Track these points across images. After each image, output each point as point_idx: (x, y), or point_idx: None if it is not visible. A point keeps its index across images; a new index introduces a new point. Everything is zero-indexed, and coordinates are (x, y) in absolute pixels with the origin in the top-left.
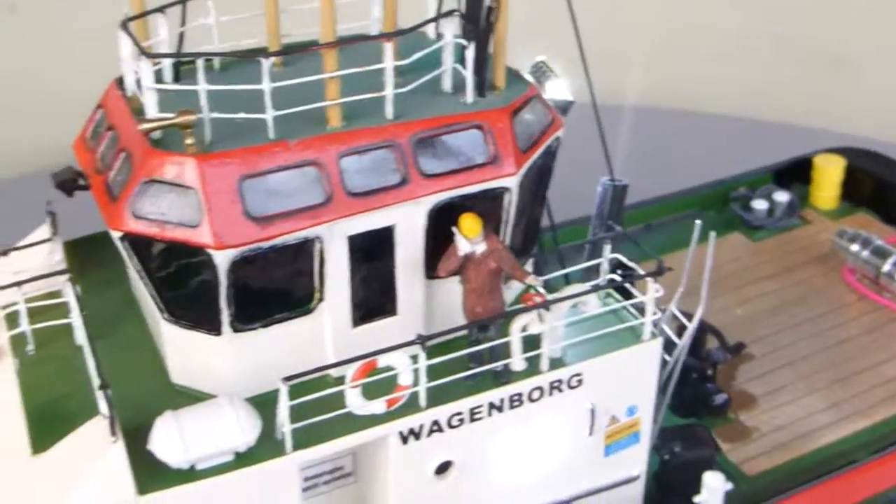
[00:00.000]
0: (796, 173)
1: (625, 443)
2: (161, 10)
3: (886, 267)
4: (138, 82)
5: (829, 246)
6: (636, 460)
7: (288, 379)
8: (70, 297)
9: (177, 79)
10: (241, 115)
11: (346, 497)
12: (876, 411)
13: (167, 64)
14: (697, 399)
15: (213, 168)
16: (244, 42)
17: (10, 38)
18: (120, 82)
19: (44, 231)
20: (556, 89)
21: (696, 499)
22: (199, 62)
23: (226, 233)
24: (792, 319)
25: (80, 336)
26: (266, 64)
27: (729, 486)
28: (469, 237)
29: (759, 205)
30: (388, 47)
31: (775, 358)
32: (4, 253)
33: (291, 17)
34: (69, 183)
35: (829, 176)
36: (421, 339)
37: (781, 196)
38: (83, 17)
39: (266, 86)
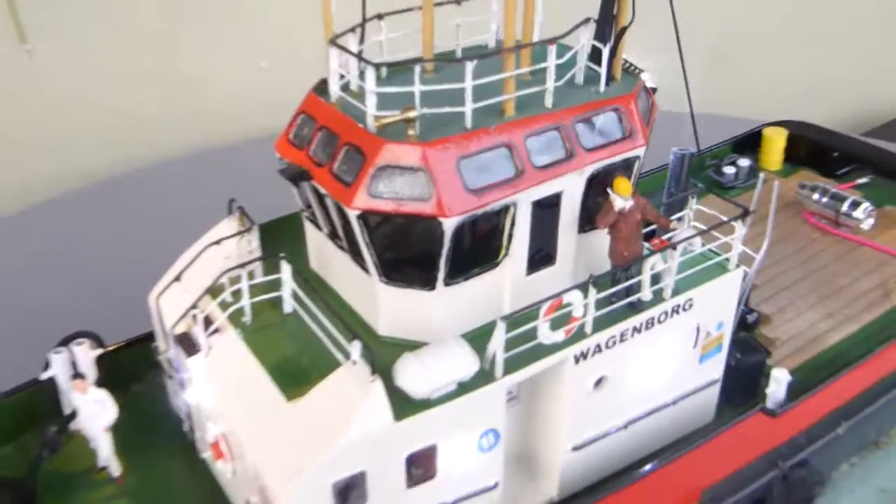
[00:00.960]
0: (747, 144)
1: (713, 352)
2: (353, 30)
3: (844, 208)
4: (343, 87)
5: (790, 196)
6: (718, 366)
7: (506, 318)
8: (284, 273)
9: None
10: (447, 108)
11: (511, 416)
12: (862, 317)
13: (354, 74)
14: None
15: (438, 152)
16: (401, 54)
17: (30, 76)
18: (316, 90)
19: (230, 224)
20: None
21: (768, 390)
22: (416, 68)
23: (452, 203)
24: (778, 255)
25: (289, 306)
26: (469, 66)
27: (790, 378)
28: (624, 195)
29: (729, 170)
30: (552, 49)
31: (774, 285)
32: (218, 242)
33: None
34: (298, 176)
35: (775, 143)
36: (593, 280)
37: (744, 162)
38: (90, 57)
39: (468, 84)
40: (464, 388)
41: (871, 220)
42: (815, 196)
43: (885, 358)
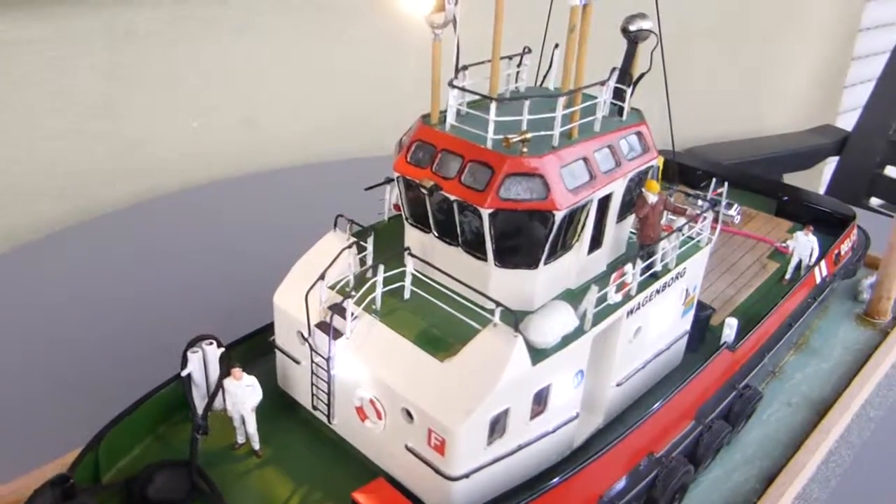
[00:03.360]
0: None
1: (688, 309)
2: (455, 76)
3: (722, 209)
4: (457, 115)
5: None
6: (689, 319)
7: (598, 283)
8: (409, 266)
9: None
10: (543, 132)
11: None
12: (752, 283)
13: (454, 103)
14: None
15: (548, 163)
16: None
17: None
18: (423, 121)
19: (338, 235)
20: None
21: (723, 333)
22: (526, 103)
23: (561, 200)
24: None
25: (408, 292)
26: (561, 101)
27: (736, 322)
28: (654, 192)
29: None
30: (604, 89)
31: None
32: (350, 246)
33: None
34: (434, 188)
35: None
36: (641, 254)
37: None
38: (42, 123)
39: (559, 114)
40: (566, 339)
41: (739, 217)
42: (699, 203)
43: (782, 309)
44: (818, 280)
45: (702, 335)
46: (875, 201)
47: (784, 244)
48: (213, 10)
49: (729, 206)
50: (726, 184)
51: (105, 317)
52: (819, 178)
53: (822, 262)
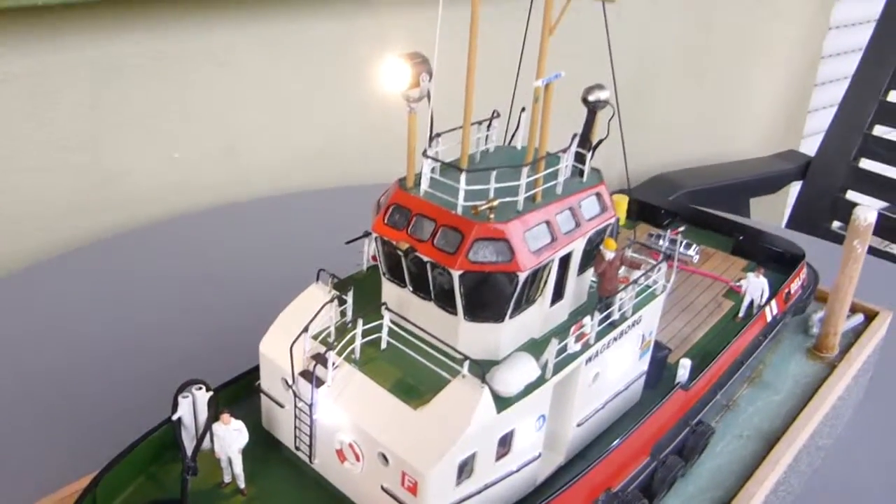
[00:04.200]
0: None
1: (645, 352)
2: (429, 145)
3: (681, 249)
4: (430, 181)
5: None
6: (646, 361)
7: (556, 335)
8: (386, 319)
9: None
10: (509, 199)
11: None
12: (708, 321)
13: (427, 171)
14: None
15: (514, 228)
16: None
17: None
18: (399, 185)
19: (320, 287)
20: None
21: (678, 373)
22: (493, 174)
23: (525, 262)
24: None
25: (384, 343)
26: (525, 170)
27: (690, 363)
28: (611, 250)
29: None
30: (564, 156)
31: None
32: (331, 300)
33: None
34: (410, 250)
35: (621, 205)
36: (600, 307)
37: None
38: (25, 157)
39: (523, 181)
40: (529, 387)
41: (698, 256)
42: (661, 242)
43: (733, 348)
44: (769, 319)
45: (659, 373)
46: (837, 224)
47: (738, 283)
48: (194, 44)
49: (688, 245)
50: (681, 230)
51: (87, 348)
52: (785, 202)
53: (773, 302)
